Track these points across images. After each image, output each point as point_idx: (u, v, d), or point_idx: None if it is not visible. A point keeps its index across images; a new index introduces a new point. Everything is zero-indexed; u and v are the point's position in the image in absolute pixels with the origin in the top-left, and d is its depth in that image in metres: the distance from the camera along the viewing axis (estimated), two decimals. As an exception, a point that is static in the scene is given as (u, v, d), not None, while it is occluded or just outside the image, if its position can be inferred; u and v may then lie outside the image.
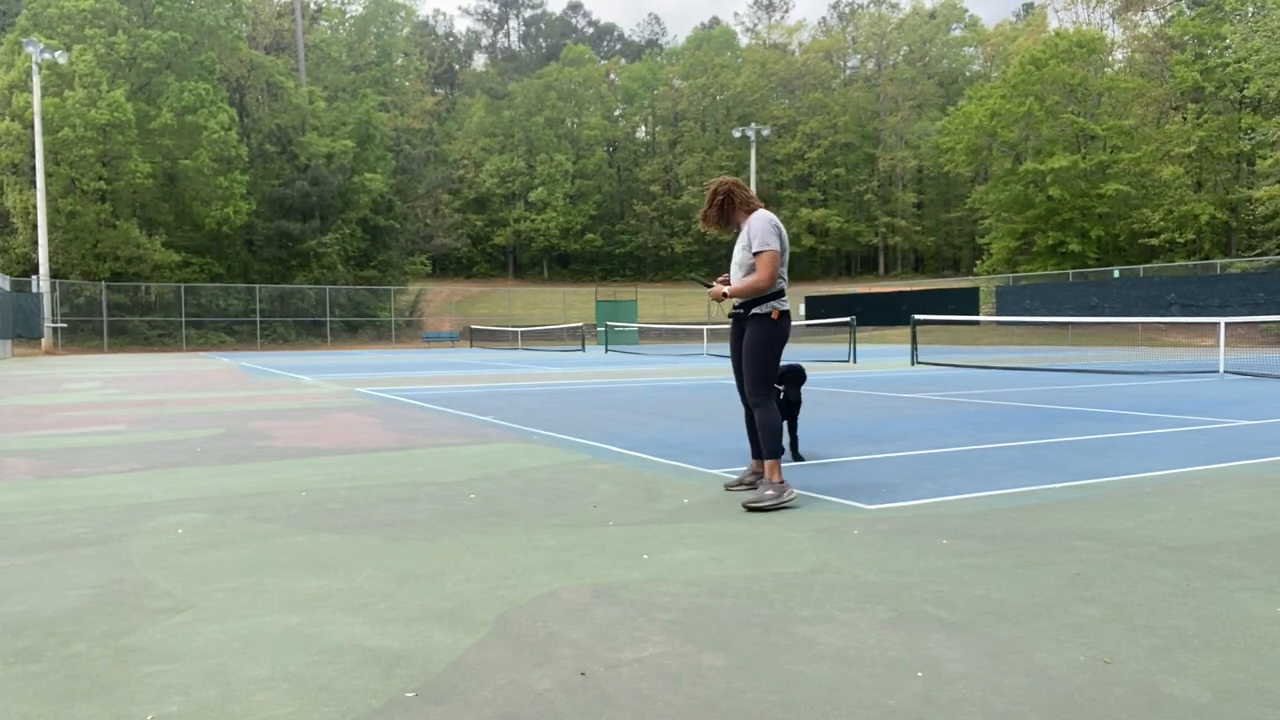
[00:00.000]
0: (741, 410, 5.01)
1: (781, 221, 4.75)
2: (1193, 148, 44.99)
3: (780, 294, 4.70)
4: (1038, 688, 2.25)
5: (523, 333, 40.38)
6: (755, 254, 4.60)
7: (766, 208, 4.82)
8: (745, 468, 5.19)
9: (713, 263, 78.25)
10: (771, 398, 4.72)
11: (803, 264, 79.91)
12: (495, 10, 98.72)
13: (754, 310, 4.68)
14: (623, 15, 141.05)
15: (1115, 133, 46.82)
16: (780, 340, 4.72)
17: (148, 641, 2.66)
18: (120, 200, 45.04)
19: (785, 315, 4.70)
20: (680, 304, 58.66)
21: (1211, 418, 8.40)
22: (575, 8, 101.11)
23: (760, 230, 4.62)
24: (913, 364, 19.37)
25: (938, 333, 40.97)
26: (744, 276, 4.69)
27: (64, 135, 39.96)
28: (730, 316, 4.89)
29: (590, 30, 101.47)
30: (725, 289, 4.73)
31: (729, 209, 4.80)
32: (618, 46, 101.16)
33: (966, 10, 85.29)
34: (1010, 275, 47.66)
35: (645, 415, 9.08)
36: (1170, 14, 51.11)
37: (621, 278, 75.24)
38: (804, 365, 5.95)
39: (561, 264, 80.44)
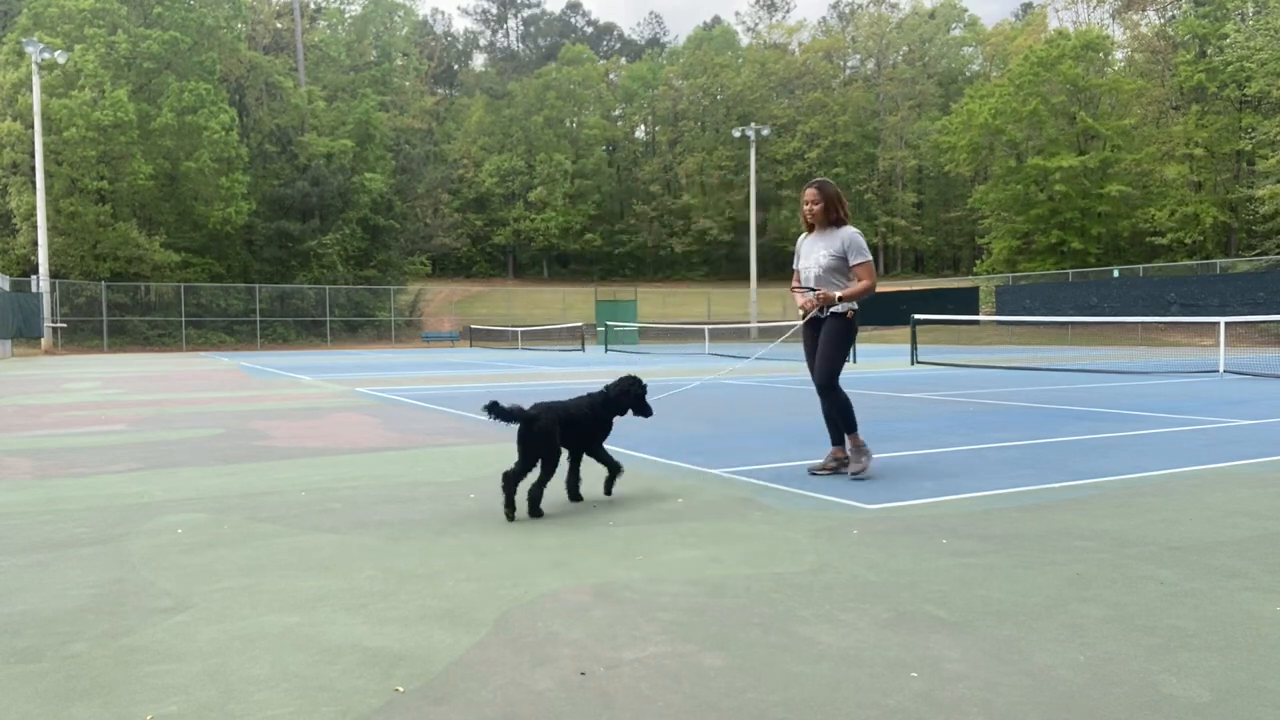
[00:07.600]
0: (816, 402, 5.58)
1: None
2: (1198, 149, 44.95)
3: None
4: (1038, 688, 2.25)
5: (522, 332, 40.37)
6: (861, 263, 5.37)
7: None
8: (826, 455, 5.66)
9: (712, 262, 78.27)
10: (838, 385, 5.44)
11: (803, 264, 79.69)
12: (494, 10, 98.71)
13: (832, 310, 5.43)
14: (623, 14, 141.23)
15: (1117, 133, 46.83)
16: (854, 336, 5.59)
17: (148, 641, 2.66)
18: (121, 201, 45.02)
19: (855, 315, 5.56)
20: (680, 304, 58.64)
21: (1211, 418, 8.40)
22: (574, 7, 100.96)
23: (859, 242, 5.43)
24: (913, 364, 19.36)
25: (938, 332, 40.97)
26: (835, 279, 5.41)
27: (68, 135, 39.94)
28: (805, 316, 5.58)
29: (590, 30, 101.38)
30: (837, 294, 5.34)
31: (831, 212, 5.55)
32: (617, 46, 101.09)
33: (966, 10, 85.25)
34: (1010, 275, 47.63)
35: (645, 415, 9.05)
36: (1171, 13, 51.08)
37: (621, 278, 75.00)
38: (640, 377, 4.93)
39: (561, 264, 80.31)
